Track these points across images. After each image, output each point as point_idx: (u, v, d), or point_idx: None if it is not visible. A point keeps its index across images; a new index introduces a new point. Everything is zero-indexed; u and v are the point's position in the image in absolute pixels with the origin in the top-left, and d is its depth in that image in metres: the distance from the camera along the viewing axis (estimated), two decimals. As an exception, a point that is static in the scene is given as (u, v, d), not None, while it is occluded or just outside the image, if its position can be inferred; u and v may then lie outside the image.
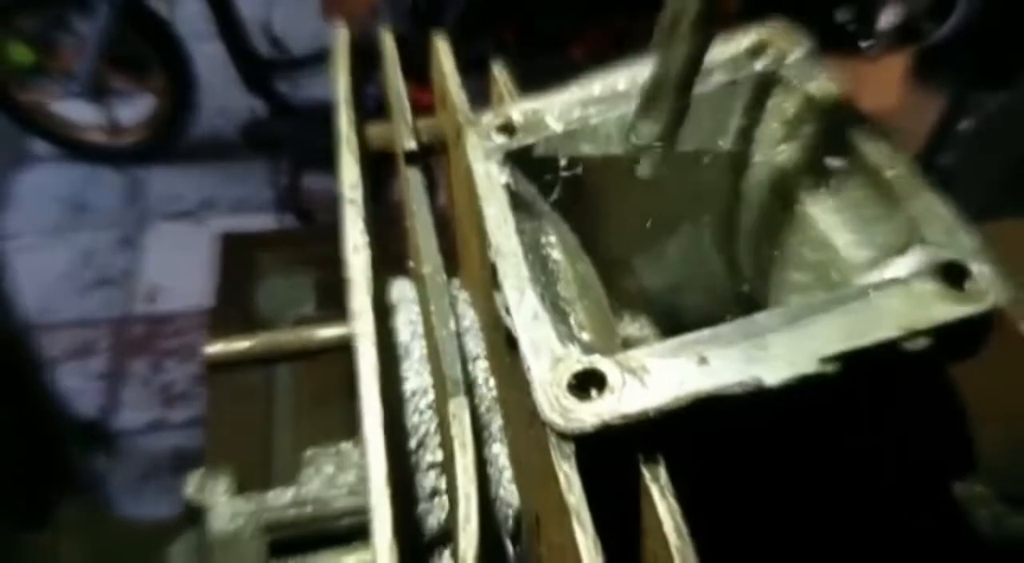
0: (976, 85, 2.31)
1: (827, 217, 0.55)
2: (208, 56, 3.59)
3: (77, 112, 3.56)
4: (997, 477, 0.79)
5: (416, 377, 0.60)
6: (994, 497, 0.80)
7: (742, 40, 0.58)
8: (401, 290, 0.67)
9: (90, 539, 1.16)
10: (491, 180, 0.55)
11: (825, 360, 0.42)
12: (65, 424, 2.00)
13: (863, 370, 0.43)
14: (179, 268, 3.18)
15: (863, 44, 2.68)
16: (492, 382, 0.60)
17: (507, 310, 0.47)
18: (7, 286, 1.76)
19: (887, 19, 2.69)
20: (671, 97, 0.51)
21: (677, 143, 0.54)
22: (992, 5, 2.59)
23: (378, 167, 0.71)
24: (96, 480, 2.05)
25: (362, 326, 0.48)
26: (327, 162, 0.61)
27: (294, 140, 3.40)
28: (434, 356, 0.55)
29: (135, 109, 3.64)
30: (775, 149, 0.58)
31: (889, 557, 0.58)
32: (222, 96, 3.81)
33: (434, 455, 0.58)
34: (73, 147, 3.68)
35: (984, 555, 0.76)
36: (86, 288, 3.19)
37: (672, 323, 0.66)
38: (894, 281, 0.44)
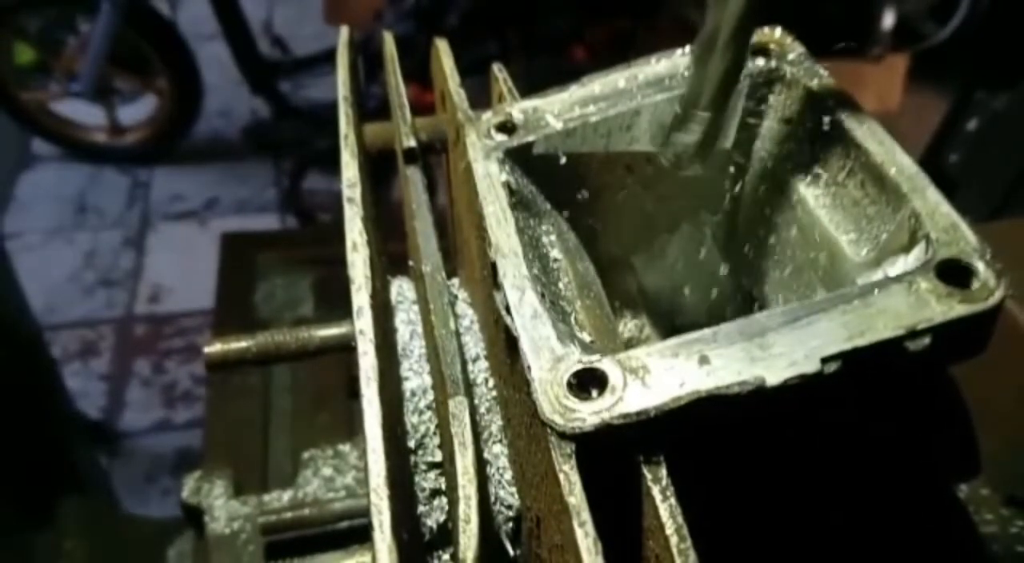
0: (981, 85, 2.31)
1: (829, 215, 0.54)
2: (211, 57, 3.60)
3: (80, 112, 3.57)
4: (1002, 480, 0.79)
5: (416, 377, 0.60)
6: (1000, 500, 0.79)
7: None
8: (400, 289, 0.66)
9: (94, 537, 1.16)
10: (491, 178, 0.54)
11: (827, 359, 0.42)
12: (71, 424, 2.01)
13: (865, 370, 0.42)
14: (182, 268, 3.18)
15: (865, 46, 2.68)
16: (492, 382, 0.59)
17: (507, 309, 0.47)
18: (16, 286, 1.77)
19: (888, 20, 2.68)
20: (708, 109, 0.52)
21: (713, 152, 0.55)
22: (995, 6, 2.58)
23: (381, 167, 0.71)
24: (101, 480, 2.05)
25: (362, 325, 0.48)
26: (329, 163, 0.61)
27: (296, 141, 3.41)
28: (433, 356, 0.55)
29: (138, 109, 3.65)
30: (776, 147, 0.58)
31: (893, 559, 0.58)
32: (225, 97, 3.82)
33: (434, 456, 0.57)
34: (76, 147, 3.69)
35: (990, 558, 0.75)
36: (89, 288, 3.20)
37: (672, 323, 0.65)
38: (896, 280, 0.44)
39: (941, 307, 0.43)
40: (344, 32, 0.68)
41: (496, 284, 0.48)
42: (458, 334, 0.53)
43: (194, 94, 3.55)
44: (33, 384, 1.70)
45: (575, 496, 0.40)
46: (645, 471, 0.41)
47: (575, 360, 0.43)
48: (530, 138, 0.58)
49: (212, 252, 1.93)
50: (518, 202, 0.54)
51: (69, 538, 1.16)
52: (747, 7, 0.49)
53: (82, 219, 3.49)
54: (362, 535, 0.85)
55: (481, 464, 0.54)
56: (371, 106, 2.55)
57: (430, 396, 0.59)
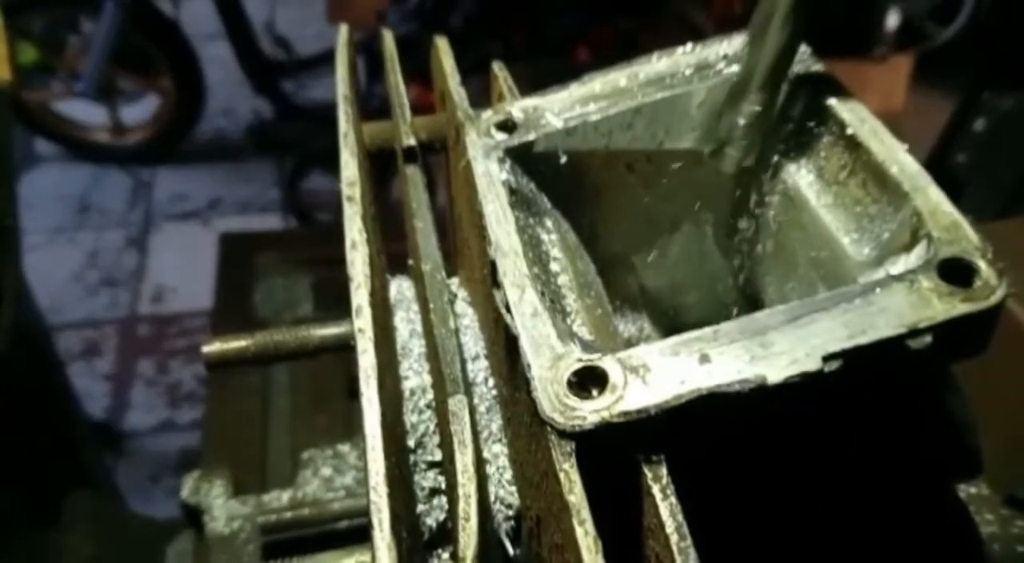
0: (988, 86, 2.30)
1: (830, 214, 0.54)
2: (214, 57, 3.61)
3: (83, 112, 3.58)
4: (1003, 480, 0.78)
5: (415, 376, 0.60)
6: (1000, 500, 0.79)
7: (743, 39, 0.57)
8: (400, 288, 0.66)
9: (99, 535, 1.16)
10: (490, 177, 0.54)
11: (828, 358, 0.42)
12: (79, 424, 2.01)
13: (866, 368, 0.42)
14: (185, 268, 3.19)
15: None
16: (492, 381, 0.59)
17: (507, 308, 0.47)
18: (25, 285, 1.77)
19: (892, 21, 2.69)
20: (762, 86, 0.53)
21: (766, 134, 0.55)
22: (1001, 7, 2.58)
23: (381, 167, 0.71)
24: (106, 479, 2.06)
25: (362, 323, 0.48)
26: (330, 163, 0.61)
27: (298, 141, 3.42)
28: (433, 354, 0.54)
29: (141, 109, 3.65)
30: (777, 146, 0.58)
31: (893, 559, 0.57)
32: (228, 97, 3.83)
33: (433, 454, 0.57)
34: (78, 147, 3.69)
35: (990, 558, 0.75)
36: (92, 288, 3.20)
37: (673, 322, 0.65)
38: (898, 278, 0.44)
39: (942, 306, 0.43)
40: (343, 31, 0.68)
41: (496, 283, 0.48)
42: (458, 333, 0.53)
43: (197, 94, 3.55)
44: (42, 384, 1.70)
45: (575, 495, 0.40)
46: (645, 470, 0.41)
47: (575, 358, 0.43)
48: (530, 137, 0.57)
49: (215, 252, 1.93)
50: (518, 201, 0.54)
51: (75, 535, 1.17)
52: None
53: (85, 219, 3.50)
54: (361, 535, 0.84)
55: (481, 463, 0.54)
56: (375, 106, 2.56)
57: (430, 395, 0.59)
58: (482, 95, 0.68)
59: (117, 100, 3.57)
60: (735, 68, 0.56)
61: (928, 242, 0.46)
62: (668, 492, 0.40)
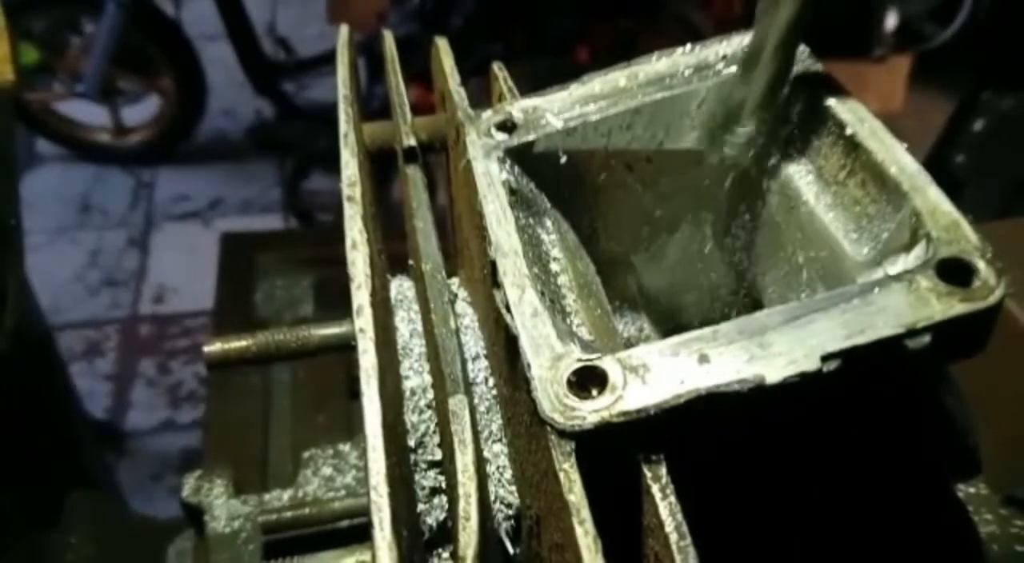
0: (986, 86, 2.31)
1: (829, 214, 0.54)
2: (215, 57, 3.61)
3: (84, 112, 3.58)
4: (1002, 480, 0.79)
5: (416, 376, 0.60)
6: (999, 500, 0.79)
7: (743, 39, 0.57)
8: (401, 288, 0.67)
9: (101, 534, 1.16)
10: (490, 177, 0.54)
11: (826, 358, 0.42)
12: (81, 425, 2.01)
13: (864, 368, 0.42)
14: (186, 269, 3.19)
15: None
16: (492, 381, 0.59)
17: (507, 307, 0.47)
18: (27, 286, 1.77)
19: (891, 22, 2.69)
20: (771, 59, 0.52)
21: (766, 130, 0.55)
22: (1001, 8, 2.58)
23: (382, 168, 0.71)
24: (107, 479, 2.06)
25: (362, 323, 0.48)
26: (330, 163, 0.61)
27: (299, 141, 3.42)
28: (433, 354, 0.55)
29: (142, 110, 3.66)
30: (776, 146, 0.58)
31: (892, 559, 0.58)
32: (229, 97, 3.83)
33: (434, 454, 0.58)
34: (80, 147, 3.69)
35: (989, 558, 0.75)
36: (93, 289, 3.20)
37: (672, 322, 0.65)
38: (896, 278, 0.44)
39: (941, 305, 0.43)
40: (344, 31, 0.68)
41: (496, 282, 0.49)
42: (458, 333, 0.53)
43: (198, 94, 3.56)
44: (43, 384, 1.70)
45: (575, 494, 0.40)
46: (645, 469, 0.41)
47: (575, 358, 0.43)
48: (530, 137, 0.57)
49: (216, 252, 1.93)
50: (518, 201, 0.54)
51: (75, 535, 1.17)
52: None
53: (86, 219, 3.50)
54: (362, 534, 0.85)
55: (481, 462, 0.54)
56: (375, 107, 2.56)
57: (430, 394, 0.59)
58: (482, 95, 0.68)
59: (118, 101, 3.57)
60: (734, 68, 0.56)
61: (927, 242, 0.46)
62: (667, 491, 0.40)
